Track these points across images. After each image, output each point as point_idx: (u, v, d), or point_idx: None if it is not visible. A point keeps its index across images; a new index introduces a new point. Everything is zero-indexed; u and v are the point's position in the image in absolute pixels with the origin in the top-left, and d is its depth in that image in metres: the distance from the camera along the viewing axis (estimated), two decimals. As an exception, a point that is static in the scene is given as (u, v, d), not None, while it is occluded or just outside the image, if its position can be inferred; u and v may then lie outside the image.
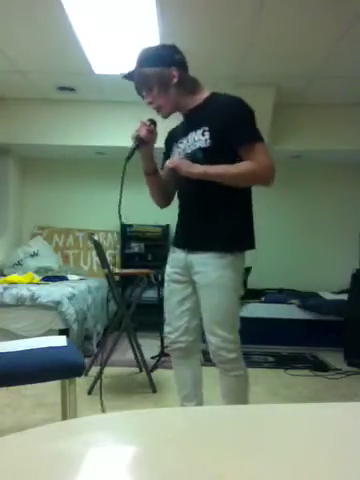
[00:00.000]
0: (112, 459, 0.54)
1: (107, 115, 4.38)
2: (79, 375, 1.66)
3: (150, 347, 3.72)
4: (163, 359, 3.46)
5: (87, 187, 5.18)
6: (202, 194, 1.76)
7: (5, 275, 4.21)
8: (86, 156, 4.95)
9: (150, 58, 1.73)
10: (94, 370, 2.94)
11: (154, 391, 2.85)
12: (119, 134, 4.28)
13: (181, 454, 0.55)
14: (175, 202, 1.94)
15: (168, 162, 1.78)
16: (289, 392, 2.97)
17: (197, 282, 1.78)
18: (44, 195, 5.21)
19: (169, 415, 0.72)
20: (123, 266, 5.02)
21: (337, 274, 4.70)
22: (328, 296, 4.46)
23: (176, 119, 1.88)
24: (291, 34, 3.07)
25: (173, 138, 1.90)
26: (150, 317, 3.76)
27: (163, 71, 1.72)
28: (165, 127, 1.95)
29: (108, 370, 3.03)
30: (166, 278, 1.92)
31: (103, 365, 2.81)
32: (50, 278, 4.27)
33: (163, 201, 1.96)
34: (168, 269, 1.92)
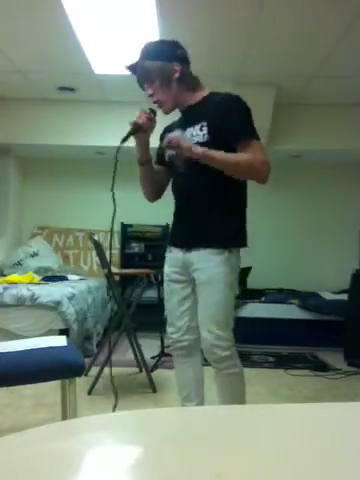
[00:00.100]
0: (112, 459, 0.54)
1: (107, 115, 4.38)
2: (79, 375, 1.66)
3: (150, 347, 3.73)
4: (163, 359, 3.46)
5: (87, 187, 5.18)
6: (199, 191, 1.76)
7: (5, 275, 4.21)
8: (86, 156, 4.95)
9: (153, 52, 1.74)
10: (94, 370, 2.94)
11: (154, 391, 2.85)
12: (119, 134, 4.24)
13: (181, 454, 0.55)
14: (173, 202, 1.93)
15: (168, 135, 1.70)
16: (289, 392, 2.97)
17: (196, 278, 1.79)
18: (44, 195, 5.22)
19: (169, 415, 0.72)
20: (123, 266, 5.02)
21: (337, 274, 4.70)
22: (328, 296, 4.46)
23: (174, 115, 1.88)
24: (291, 34, 3.07)
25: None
26: (150, 317, 3.77)
27: (165, 65, 1.73)
28: (163, 124, 1.94)
29: (108, 370, 3.03)
30: (165, 278, 1.92)
31: (104, 365, 2.82)
32: (50, 278, 4.28)
33: (153, 194, 1.95)
34: (166, 269, 1.92)
